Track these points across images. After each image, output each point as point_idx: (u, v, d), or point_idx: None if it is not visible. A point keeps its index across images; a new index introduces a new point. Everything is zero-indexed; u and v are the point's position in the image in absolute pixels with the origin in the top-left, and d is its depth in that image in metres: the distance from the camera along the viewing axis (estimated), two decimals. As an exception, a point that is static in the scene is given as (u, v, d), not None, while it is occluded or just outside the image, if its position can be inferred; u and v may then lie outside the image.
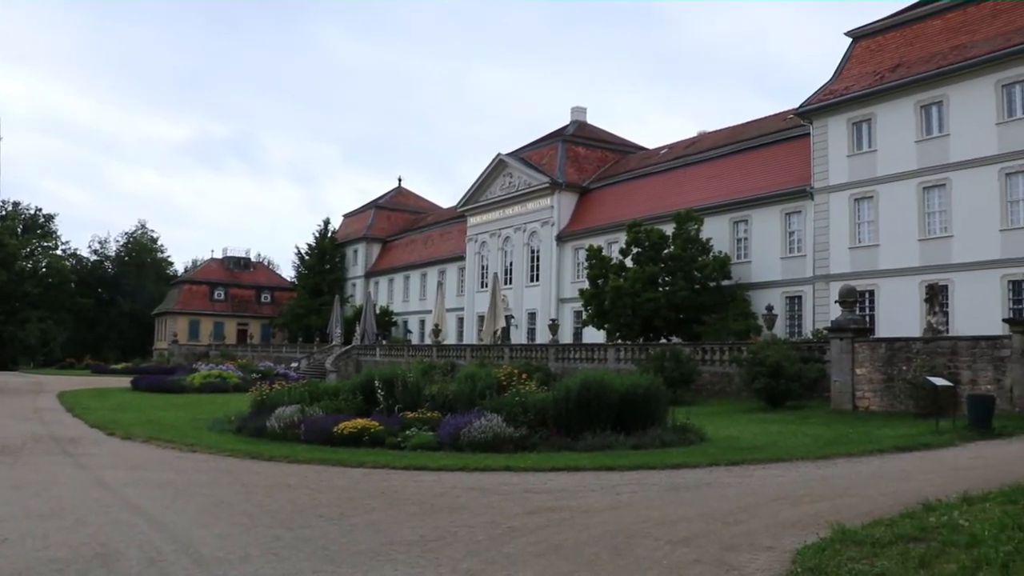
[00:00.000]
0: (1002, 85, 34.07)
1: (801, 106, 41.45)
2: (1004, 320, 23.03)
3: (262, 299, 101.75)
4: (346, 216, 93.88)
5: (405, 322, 77.89)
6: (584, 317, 47.27)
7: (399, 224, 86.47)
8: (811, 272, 40.38)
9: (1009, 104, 33.94)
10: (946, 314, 31.88)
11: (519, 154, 63.73)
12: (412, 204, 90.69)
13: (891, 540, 8.40)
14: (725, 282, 42.84)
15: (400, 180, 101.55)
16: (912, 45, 38.61)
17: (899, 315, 34.91)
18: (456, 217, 71.59)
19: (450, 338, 63.26)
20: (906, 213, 36.50)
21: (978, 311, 32.16)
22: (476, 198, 66.42)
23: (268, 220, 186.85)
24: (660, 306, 41.21)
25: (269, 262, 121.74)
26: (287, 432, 19.34)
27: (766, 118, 50.10)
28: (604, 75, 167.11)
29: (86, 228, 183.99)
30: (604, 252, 46.76)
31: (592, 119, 67.74)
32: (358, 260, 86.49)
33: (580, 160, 60.92)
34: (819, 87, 41.57)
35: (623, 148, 63.91)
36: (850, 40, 42.15)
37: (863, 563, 7.67)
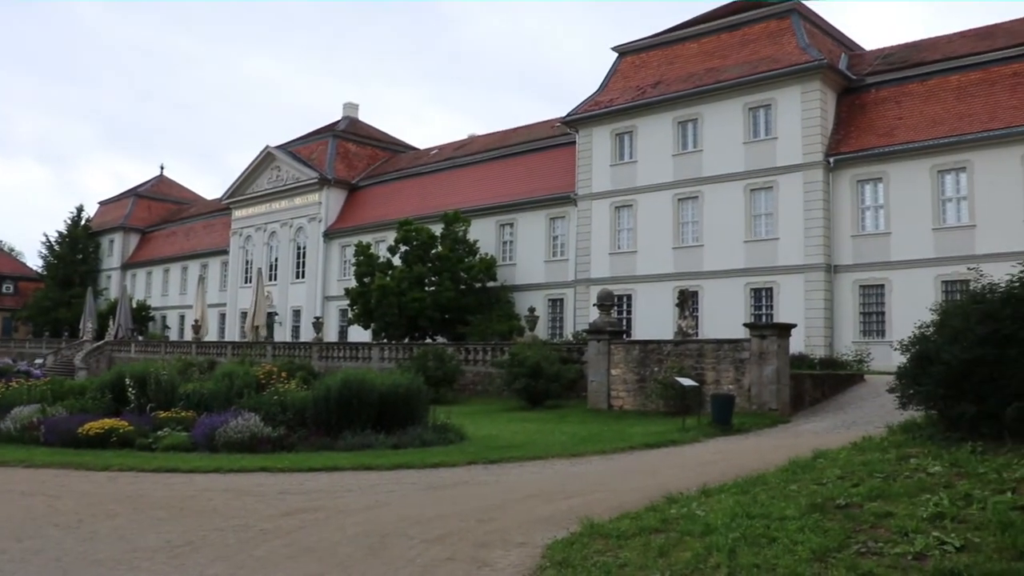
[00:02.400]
0: (749, 108, 36.62)
1: (568, 115, 42.80)
2: (745, 325, 24.63)
3: (3, 289, 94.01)
4: (102, 203, 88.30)
5: (164, 317, 74.23)
6: (350, 315, 46.72)
7: (160, 214, 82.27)
8: (573, 276, 41.77)
9: (754, 125, 36.55)
10: (696, 318, 33.81)
11: (288, 147, 62.23)
12: (175, 194, 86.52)
13: (635, 532, 8.64)
14: (491, 283, 43.55)
15: (162, 168, 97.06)
16: (672, 64, 40.76)
17: (654, 318, 36.72)
18: (221, 209, 68.93)
19: (211, 335, 60.83)
20: (662, 222, 38.48)
21: (725, 316, 34.35)
22: (242, 191, 64.26)
23: (12, 203, 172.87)
24: (426, 306, 41.35)
25: (12, 249, 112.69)
26: (25, 434, 17.95)
27: (536, 124, 51.36)
28: (379, 72, 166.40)
29: None
30: (372, 250, 46.39)
31: (365, 116, 67.55)
32: (114, 251, 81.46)
33: (351, 157, 60.25)
34: (586, 98, 43.05)
35: (394, 147, 63.77)
36: (616, 55, 43.95)
37: (608, 555, 7.87)
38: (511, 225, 46.14)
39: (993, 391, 12.97)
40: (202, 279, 63.02)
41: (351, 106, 66.80)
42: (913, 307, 19.01)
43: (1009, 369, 12.87)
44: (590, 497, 11.45)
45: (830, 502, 9.37)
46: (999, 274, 14.22)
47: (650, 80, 41.01)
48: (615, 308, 31.90)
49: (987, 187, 31.54)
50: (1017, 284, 13.76)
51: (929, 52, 36.50)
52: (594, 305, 28.64)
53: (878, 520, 8.48)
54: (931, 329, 14.65)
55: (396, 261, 43.82)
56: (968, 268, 16.76)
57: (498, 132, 54.80)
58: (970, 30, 37.35)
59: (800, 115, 35.34)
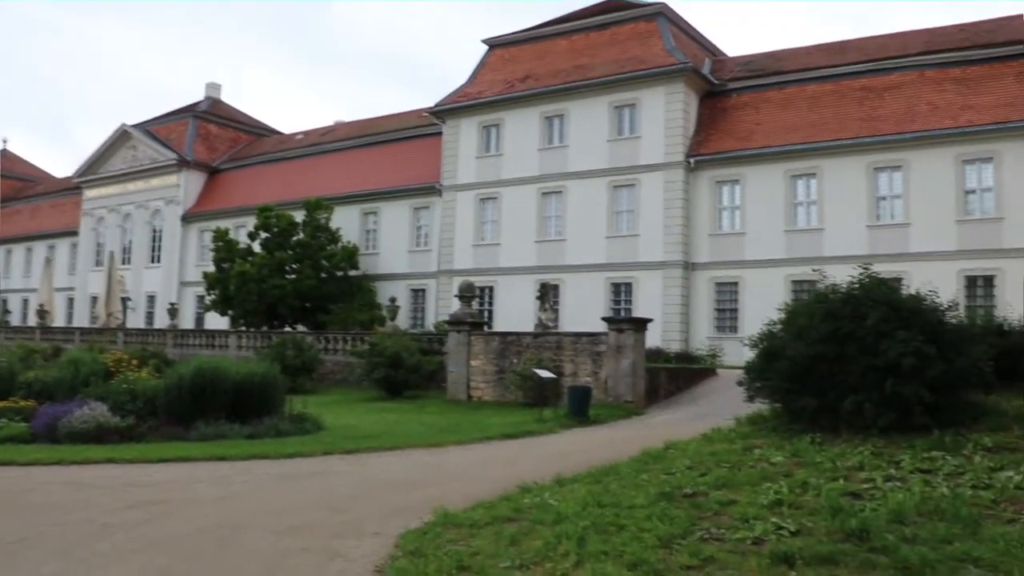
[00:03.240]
0: (614, 106, 37.36)
1: (436, 105, 42.65)
2: (603, 319, 25.05)
3: None
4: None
5: (4, 301, 70.39)
6: (207, 302, 45.39)
7: (2, 192, 77.94)
8: (436, 267, 41.71)
9: (619, 123, 37.29)
10: (556, 311, 34.23)
11: (146, 126, 59.86)
12: (19, 170, 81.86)
13: (488, 521, 8.71)
14: (353, 272, 43.03)
15: (5, 142, 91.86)
16: (541, 60, 41.12)
17: (516, 311, 36.99)
18: (71, 188, 65.65)
19: (58, 320, 58.03)
20: (526, 215, 38.83)
21: (586, 309, 34.89)
22: (95, 169, 61.47)
23: None
24: (286, 293, 40.58)
25: None
26: None
27: (405, 113, 50.90)
28: (245, 54, 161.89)
29: None
30: (232, 236, 45.14)
31: (229, 99, 65.39)
32: (-51, 230, 76.78)
33: (212, 139, 58.49)
34: (455, 89, 43.00)
35: (258, 130, 62.20)
36: (487, 47, 44.05)
37: (460, 544, 7.90)
38: (375, 214, 45.71)
39: (832, 386, 13.61)
40: (49, 261, 59.78)
41: (214, 87, 64.77)
42: (765, 305, 19.84)
43: (847, 365, 13.52)
44: (446, 487, 11.43)
45: (678, 491, 9.66)
46: (843, 276, 14.91)
47: (519, 74, 41.28)
48: (477, 299, 31.99)
49: (835, 193, 33.08)
50: (857, 286, 14.46)
51: (787, 62, 37.95)
52: (455, 296, 28.66)
53: (722, 508, 8.84)
54: (778, 326, 15.25)
55: (256, 248, 42.80)
56: (813, 270, 17.51)
57: (366, 120, 54.13)
58: (826, 44, 39.00)
59: (663, 116, 36.23)
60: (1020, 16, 34.87)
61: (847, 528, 7.58)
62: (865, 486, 9.54)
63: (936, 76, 33.54)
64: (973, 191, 31.41)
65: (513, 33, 43.70)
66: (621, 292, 36.34)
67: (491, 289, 39.46)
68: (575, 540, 7.63)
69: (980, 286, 30.64)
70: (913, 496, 8.77)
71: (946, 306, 14.62)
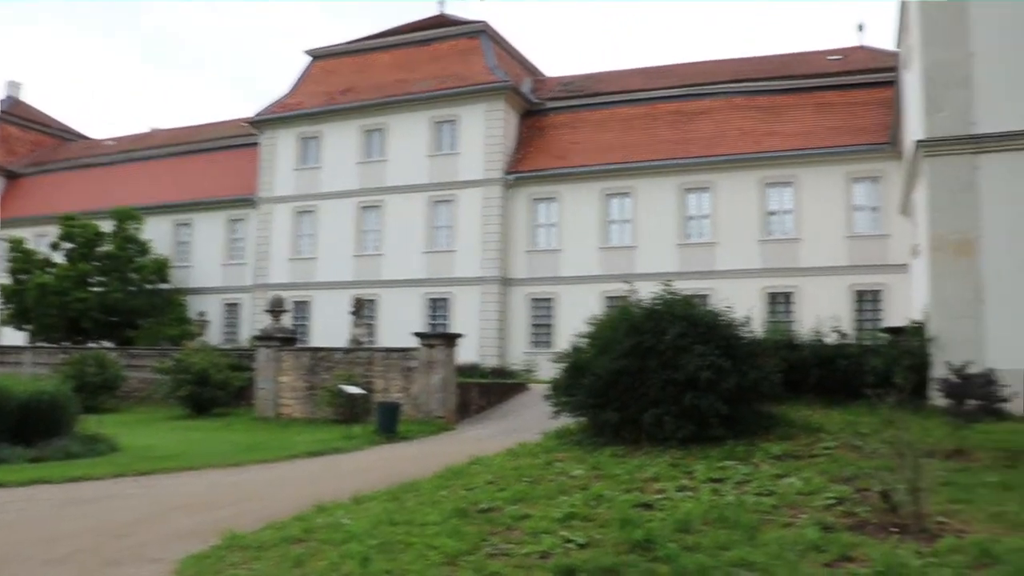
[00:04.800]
0: (435, 122, 37.45)
1: (255, 115, 41.64)
2: (415, 334, 25.00)
3: None
4: None
5: None
6: (2, 315, 42.61)
7: None
8: (251, 280, 40.61)
9: (439, 139, 37.42)
10: (370, 326, 34.01)
11: (-64, 126, 55.80)
12: None
13: (276, 543, 8.52)
14: (164, 285, 41.33)
15: None
16: (363, 73, 40.82)
17: (332, 326, 36.33)
18: None
19: None
20: (344, 230, 38.37)
21: (403, 325, 34.56)
22: None
23: None
24: (90, 307, 38.56)
25: None
26: None
27: (224, 122, 49.32)
28: (55, 52, 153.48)
29: None
30: (32, 245, 42.56)
31: (32, 98, 61.74)
32: None
33: (11, 141, 54.90)
34: (275, 99, 42.12)
35: (64, 134, 58.83)
36: (310, 58, 43.39)
37: (243, 568, 7.71)
38: (189, 225, 44.07)
39: (634, 399, 14.01)
40: None
41: (15, 85, 61.00)
42: (579, 321, 20.21)
43: (649, 379, 13.94)
44: (241, 508, 11.11)
45: (474, 507, 9.67)
46: (655, 292, 15.41)
47: (340, 87, 40.83)
48: (289, 314, 31.38)
49: (647, 212, 34.22)
50: (659, 301, 14.96)
51: (605, 84, 39.05)
52: (265, 311, 28.01)
53: (515, 522, 8.89)
54: (585, 341, 15.60)
55: (59, 259, 40.53)
56: (626, 283, 18.03)
57: (183, 127, 52.16)
58: (642, 68, 40.32)
59: (483, 132, 36.59)
60: (820, 52, 37.18)
61: (633, 539, 7.75)
62: (658, 497, 9.81)
63: (743, 103, 35.24)
64: (775, 213, 33.13)
65: (336, 45, 43.23)
66: (438, 308, 36.39)
67: (307, 304, 38.75)
68: (359, 559, 7.54)
69: (780, 302, 32.29)
70: (701, 505, 9.10)
71: (741, 321, 15.32)
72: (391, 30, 42.79)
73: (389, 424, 19.93)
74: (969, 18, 18.74)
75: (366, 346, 26.81)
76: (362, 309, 28.75)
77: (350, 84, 40.68)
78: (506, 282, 35.66)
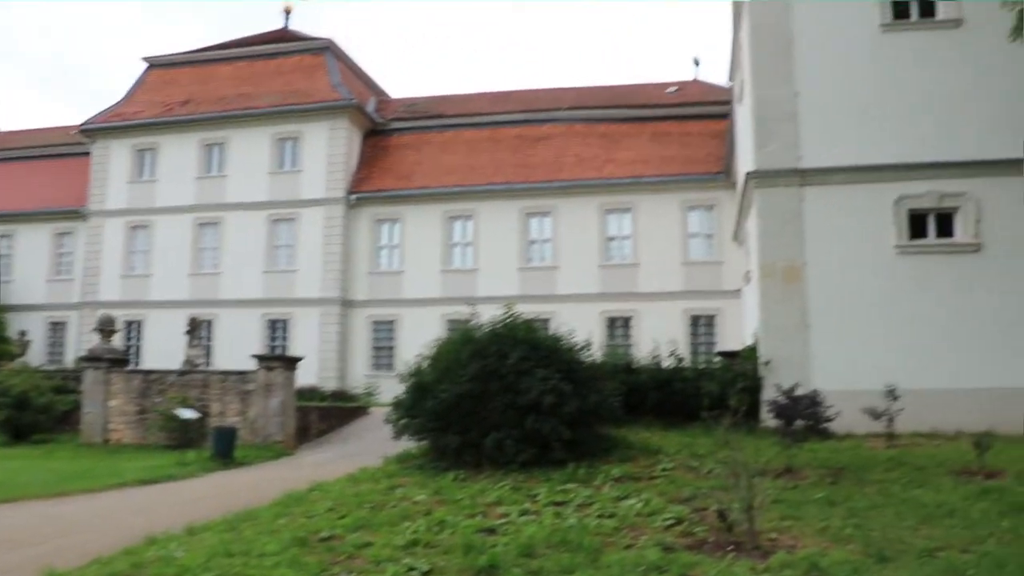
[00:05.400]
0: (277, 138, 36.78)
1: (86, 123, 39.80)
2: (253, 356, 24.42)
3: None
4: None
5: None
6: None
7: None
8: (79, 298, 38.72)
9: (281, 156, 36.78)
10: (207, 348, 32.98)
11: None
12: None
13: (101, 580, 8.14)
14: (-17, 302, 38.96)
15: None
16: (203, 84, 39.69)
17: (167, 347, 34.91)
18: None
19: None
20: (181, 246, 37.11)
21: (241, 346, 33.63)
22: None
23: None
24: None
25: None
26: None
27: (51, 129, 46.93)
28: None
29: None
30: None
31: None
32: None
33: None
34: (108, 107, 40.42)
35: None
36: (147, 65, 41.87)
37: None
38: (10, 238, 41.62)
39: (476, 422, 14.09)
40: None
41: None
42: (421, 343, 20.12)
43: (491, 402, 14.05)
44: (63, 542, 10.53)
45: (314, 535, 9.50)
46: (496, 316, 15.56)
47: (179, 97, 39.56)
48: (119, 334, 30.09)
49: (490, 235, 34.59)
50: (501, 325, 15.13)
51: (449, 107, 39.28)
52: (94, 330, 26.78)
53: (357, 551, 8.79)
54: (427, 363, 15.59)
55: None
56: (468, 305, 18.19)
57: (5, 133, 49.25)
58: (486, 92, 40.73)
59: (326, 151, 36.20)
60: (658, 84, 38.53)
61: (477, 565, 7.78)
62: (501, 521, 9.87)
63: (584, 130, 36.16)
64: (614, 238, 34.06)
65: (175, 54, 41.90)
66: (278, 329, 35.60)
67: (140, 324, 37.22)
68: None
69: (619, 326, 33.15)
70: (544, 528, 9.21)
71: (581, 345, 15.66)
72: (234, 42, 41.83)
73: (225, 449, 19.34)
74: (794, 59, 19.88)
75: (202, 368, 26.01)
76: (198, 329, 27.84)
77: (189, 95, 39.48)
78: (347, 303, 35.26)
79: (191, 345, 27.15)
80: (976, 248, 18.70)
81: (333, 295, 35.00)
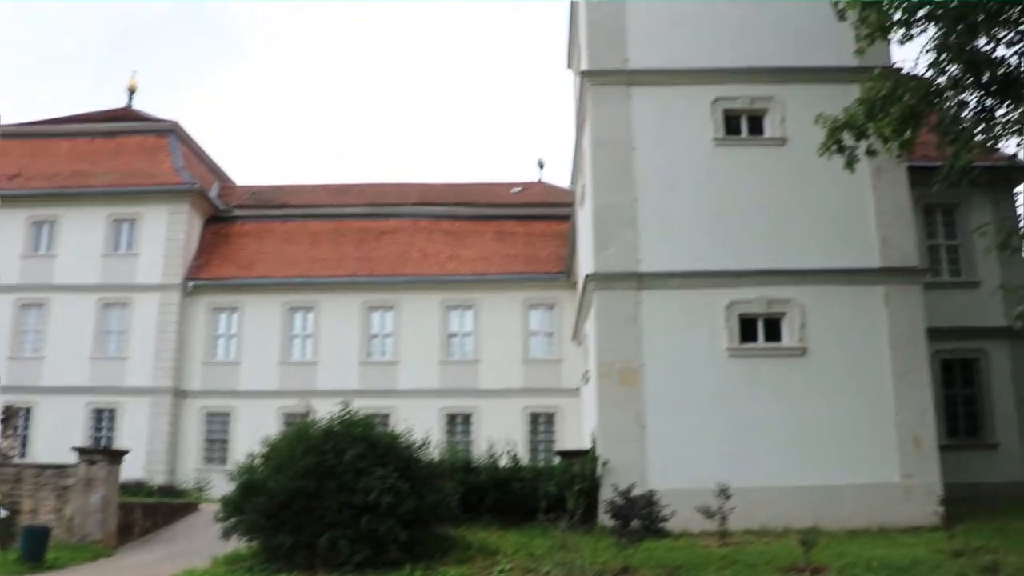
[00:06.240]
0: (113, 219, 35.48)
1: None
2: (74, 448, 23.00)
3: None
4: None
5: None
6: None
7: None
8: None
9: (117, 238, 35.44)
10: (23, 438, 30.97)
11: None
12: None
13: None
14: None
15: None
16: (37, 159, 38.00)
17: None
18: None
19: None
20: (0, 328, 34.93)
21: (63, 437, 31.47)
22: None
23: None
24: None
25: None
26: None
27: None
28: None
29: None
30: None
31: None
32: None
33: None
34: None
35: None
36: (-26, 134, 39.82)
37: None
38: None
39: (309, 522, 13.72)
40: None
41: None
42: (256, 437, 19.35)
43: (326, 501, 13.75)
44: None
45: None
46: (334, 410, 15.31)
47: (8, 170, 37.65)
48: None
49: (331, 328, 34.17)
50: (338, 421, 14.90)
51: (294, 196, 39.00)
52: None
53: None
54: (259, 459, 15.13)
55: None
56: (301, 401, 17.86)
57: None
58: (334, 184, 40.70)
59: (165, 235, 35.13)
60: (503, 183, 39.45)
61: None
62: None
63: (429, 226, 36.51)
64: (456, 335, 34.21)
65: (8, 125, 39.97)
66: (104, 419, 33.67)
67: (-53, 409, 34.62)
68: None
69: (460, 423, 33.05)
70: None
71: (420, 443, 15.57)
72: (73, 117, 40.38)
73: (36, 551, 17.97)
74: (634, 167, 20.81)
75: (15, 462, 24.30)
76: (13, 419, 26.06)
77: (21, 169, 37.64)
78: (180, 394, 33.84)
79: (4, 436, 25.36)
80: (802, 352, 19.77)
81: (165, 384, 33.51)
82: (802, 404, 19.30)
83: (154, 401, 33.42)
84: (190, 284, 34.67)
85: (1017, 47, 15.46)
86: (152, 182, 35.93)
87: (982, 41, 15.26)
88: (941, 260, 25.96)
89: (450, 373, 33.64)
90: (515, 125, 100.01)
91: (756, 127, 21.41)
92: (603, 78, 21.73)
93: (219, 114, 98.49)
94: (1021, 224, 16.18)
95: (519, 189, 39.00)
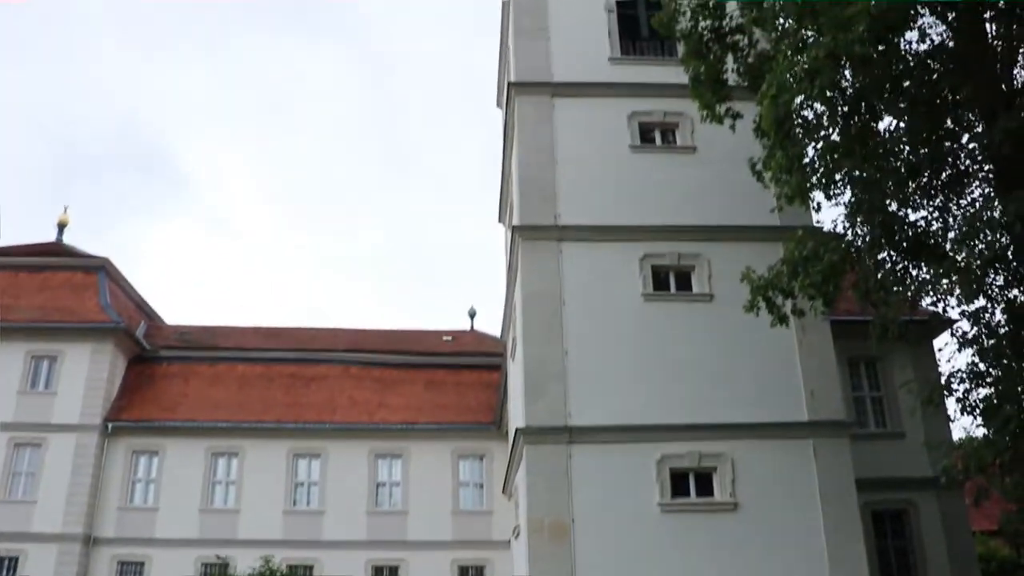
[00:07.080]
0: (32, 356, 34.37)
1: None
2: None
3: None
4: None
5: None
6: None
7: None
8: None
9: (35, 375, 34.23)
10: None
11: None
12: None
13: None
14: None
15: None
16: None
17: None
18: None
19: None
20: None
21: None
22: None
23: None
24: None
25: None
26: None
27: None
28: None
29: None
30: None
31: None
32: None
33: None
34: None
35: None
36: None
37: None
38: None
39: None
40: None
41: None
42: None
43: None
44: None
45: None
46: (256, 561, 14.64)
47: (-75, 304, 36.53)
48: None
49: (255, 475, 33.03)
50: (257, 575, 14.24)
51: (222, 339, 38.30)
52: None
53: None
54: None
55: None
56: (217, 557, 17.08)
57: None
58: (263, 327, 40.13)
59: (86, 374, 33.99)
60: (434, 332, 39.46)
61: None
62: None
63: (359, 373, 36.08)
64: (384, 484, 33.41)
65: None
66: (5, 569, 31.51)
67: None
68: None
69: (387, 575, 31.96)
70: None
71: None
72: (0, 249, 39.53)
73: None
74: (564, 321, 20.86)
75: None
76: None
77: (-63, 302, 36.54)
78: (91, 541, 32.00)
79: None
80: (734, 507, 19.55)
81: (75, 531, 31.66)
82: (734, 560, 18.94)
83: (62, 548, 31.37)
84: (109, 425, 33.37)
85: (927, 211, 16.15)
86: (76, 319, 35.00)
87: (894, 205, 15.88)
88: (867, 412, 26.26)
89: (377, 524, 32.63)
90: (448, 275, 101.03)
91: (684, 283, 21.73)
92: (534, 233, 21.93)
93: (154, 253, 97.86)
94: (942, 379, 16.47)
95: (451, 338, 38.96)
